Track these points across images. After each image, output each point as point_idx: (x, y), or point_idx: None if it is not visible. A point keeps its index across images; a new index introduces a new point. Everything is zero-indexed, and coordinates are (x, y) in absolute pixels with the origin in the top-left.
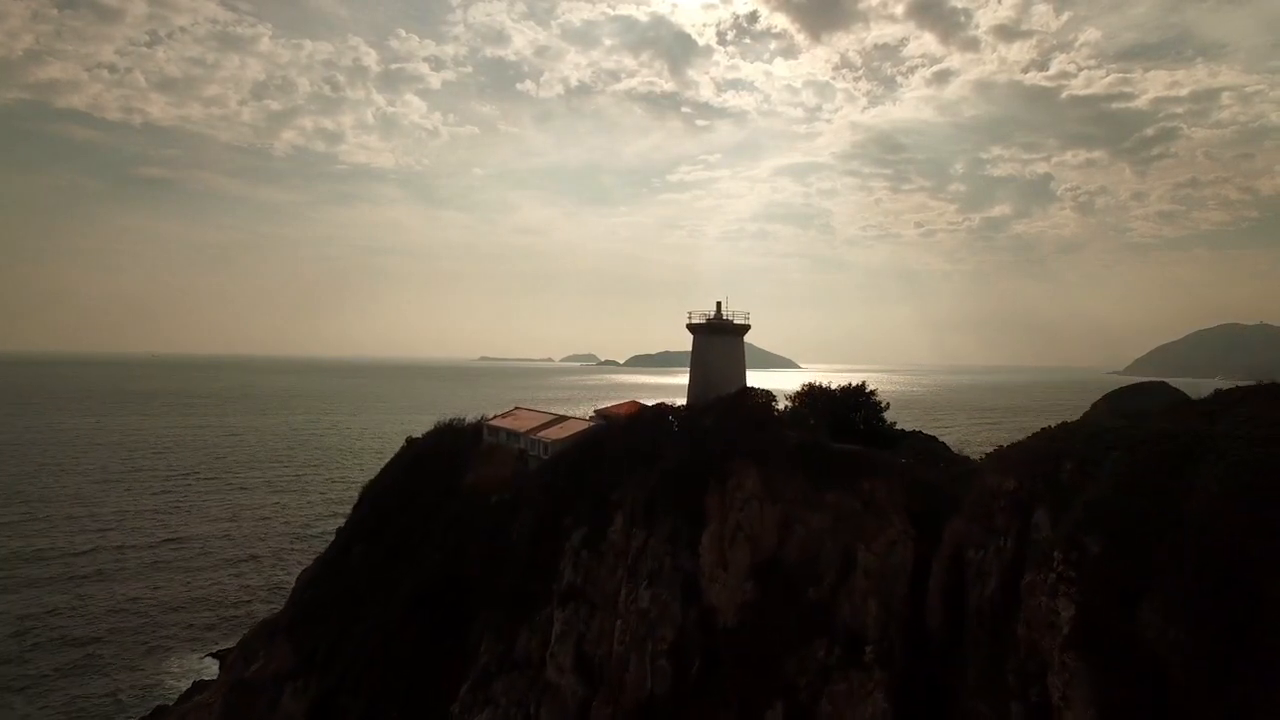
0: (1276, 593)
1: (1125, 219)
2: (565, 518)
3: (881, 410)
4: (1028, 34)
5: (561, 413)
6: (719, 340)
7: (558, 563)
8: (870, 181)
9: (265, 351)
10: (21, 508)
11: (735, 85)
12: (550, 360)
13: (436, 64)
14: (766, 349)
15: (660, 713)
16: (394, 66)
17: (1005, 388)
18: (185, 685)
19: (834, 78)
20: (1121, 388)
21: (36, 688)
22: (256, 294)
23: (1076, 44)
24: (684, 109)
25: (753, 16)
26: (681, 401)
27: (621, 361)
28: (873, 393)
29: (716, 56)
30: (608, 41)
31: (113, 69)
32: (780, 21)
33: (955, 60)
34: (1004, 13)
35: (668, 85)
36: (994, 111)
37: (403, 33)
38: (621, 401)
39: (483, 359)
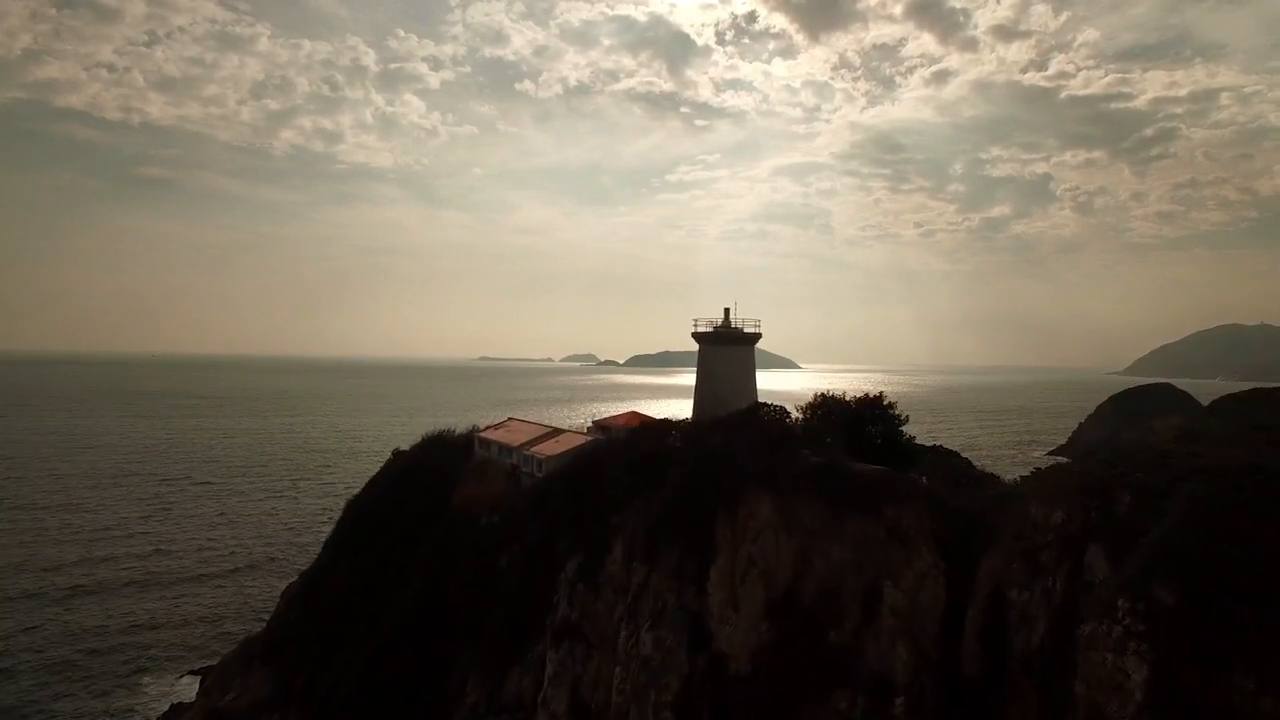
0: None
1: (1125, 219)
2: (559, 544)
3: (900, 423)
4: (1026, 34)
5: (559, 421)
6: (727, 351)
7: (551, 594)
8: (869, 182)
9: (265, 351)
10: (4, 515)
11: (734, 85)
12: (550, 360)
13: (435, 64)
14: (766, 349)
15: None
16: (393, 66)
17: (1006, 388)
18: (164, 707)
19: (833, 78)
20: (1127, 389)
21: (8, 715)
22: (257, 294)
23: (1075, 44)
24: (683, 109)
25: (751, 16)
26: (684, 405)
27: (621, 362)
28: (891, 405)
29: (715, 56)
30: (606, 41)
31: (111, 68)
32: (779, 21)
33: (954, 60)
34: (1002, 13)
35: (667, 85)
36: (993, 112)
37: (401, 32)
38: (620, 412)
39: (482, 359)
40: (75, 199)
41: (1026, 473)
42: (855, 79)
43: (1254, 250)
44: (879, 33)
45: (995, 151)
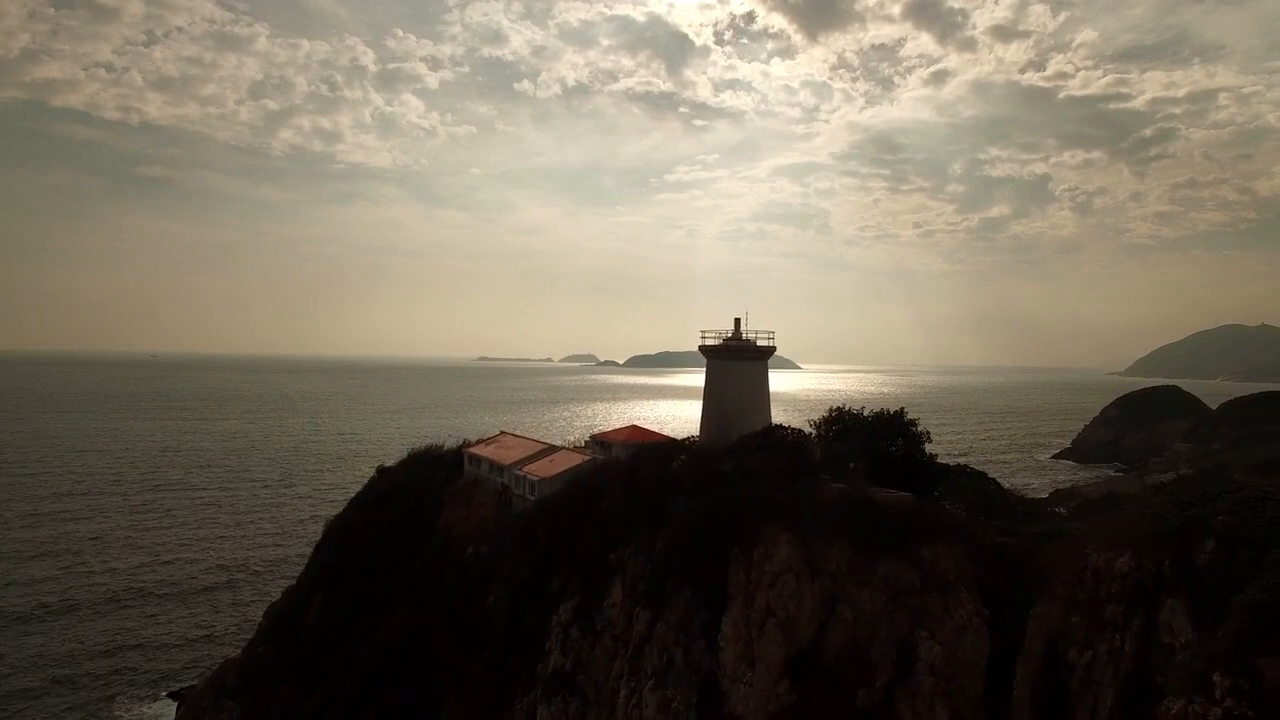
0: None
1: (1124, 220)
2: (552, 581)
3: (923, 441)
4: (1025, 34)
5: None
6: (738, 367)
7: (543, 638)
8: (868, 182)
9: (265, 351)
10: None
11: (733, 85)
12: (550, 360)
13: (434, 64)
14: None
15: None
16: (391, 66)
17: (1007, 389)
18: None
19: (831, 78)
20: (1134, 391)
21: None
22: (257, 293)
23: (1074, 45)
24: (681, 109)
25: (750, 17)
26: (684, 406)
27: (621, 362)
28: (913, 421)
29: (714, 56)
30: (605, 41)
31: (110, 68)
32: (777, 22)
33: (952, 60)
34: (1001, 13)
35: (665, 85)
36: (992, 112)
37: (400, 32)
38: (620, 426)
39: (481, 359)
40: (75, 198)
41: (1035, 479)
42: (854, 79)
43: (1253, 251)
44: (877, 33)
45: (994, 152)
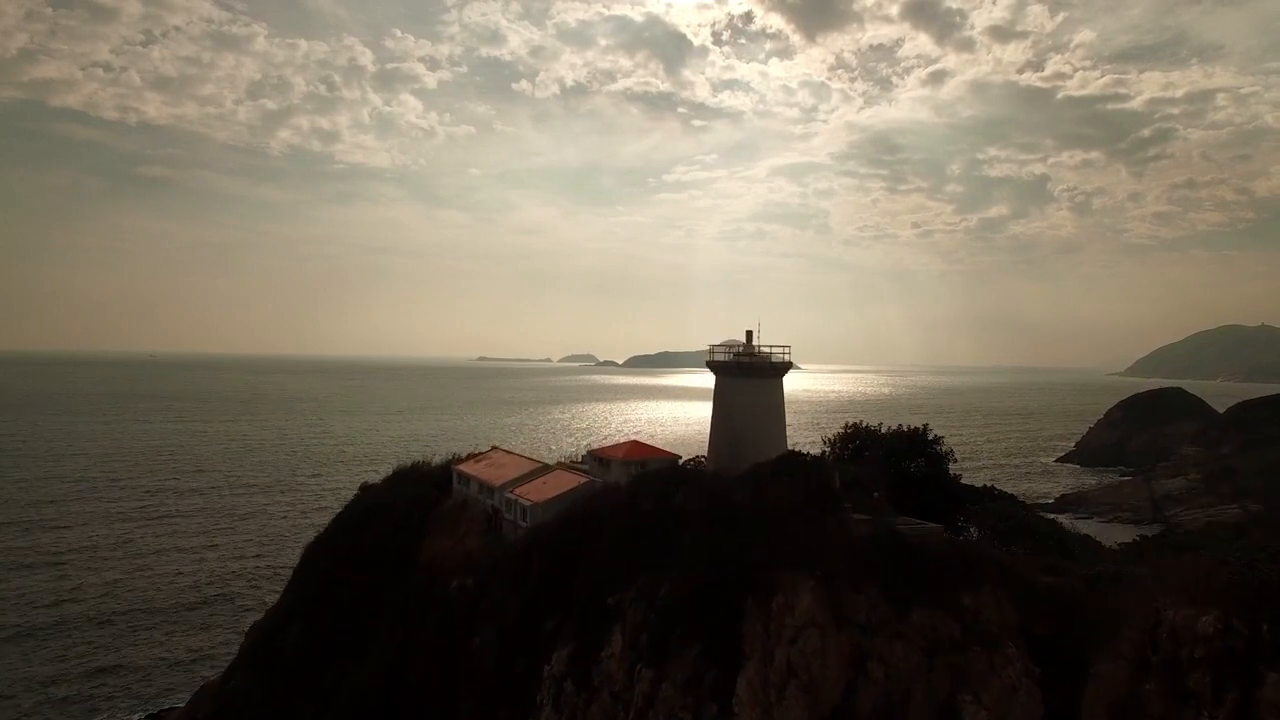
0: None
1: (1122, 220)
2: (544, 624)
3: (947, 461)
4: (1023, 35)
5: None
6: (751, 385)
7: (534, 690)
8: (867, 182)
9: (265, 351)
10: None
11: (731, 85)
12: (549, 360)
13: (432, 64)
14: (766, 350)
15: None
16: (389, 66)
17: (1007, 389)
18: None
19: (830, 78)
20: (1138, 394)
21: None
22: (257, 293)
23: (1072, 45)
24: (680, 109)
25: (748, 17)
26: (684, 407)
27: (620, 362)
28: (937, 439)
29: (712, 57)
30: (603, 41)
31: (108, 68)
32: (775, 22)
33: (951, 61)
34: (998, 13)
35: (663, 85)
36: (990, 112)
37: (398, 32)
38: (619, 441)
39: (481, 359)
40: (75, 198)
41: (1041, 484)
42: (852, 79)
43: (1252, 251)
44: (875, 33)
45: (992, 152)
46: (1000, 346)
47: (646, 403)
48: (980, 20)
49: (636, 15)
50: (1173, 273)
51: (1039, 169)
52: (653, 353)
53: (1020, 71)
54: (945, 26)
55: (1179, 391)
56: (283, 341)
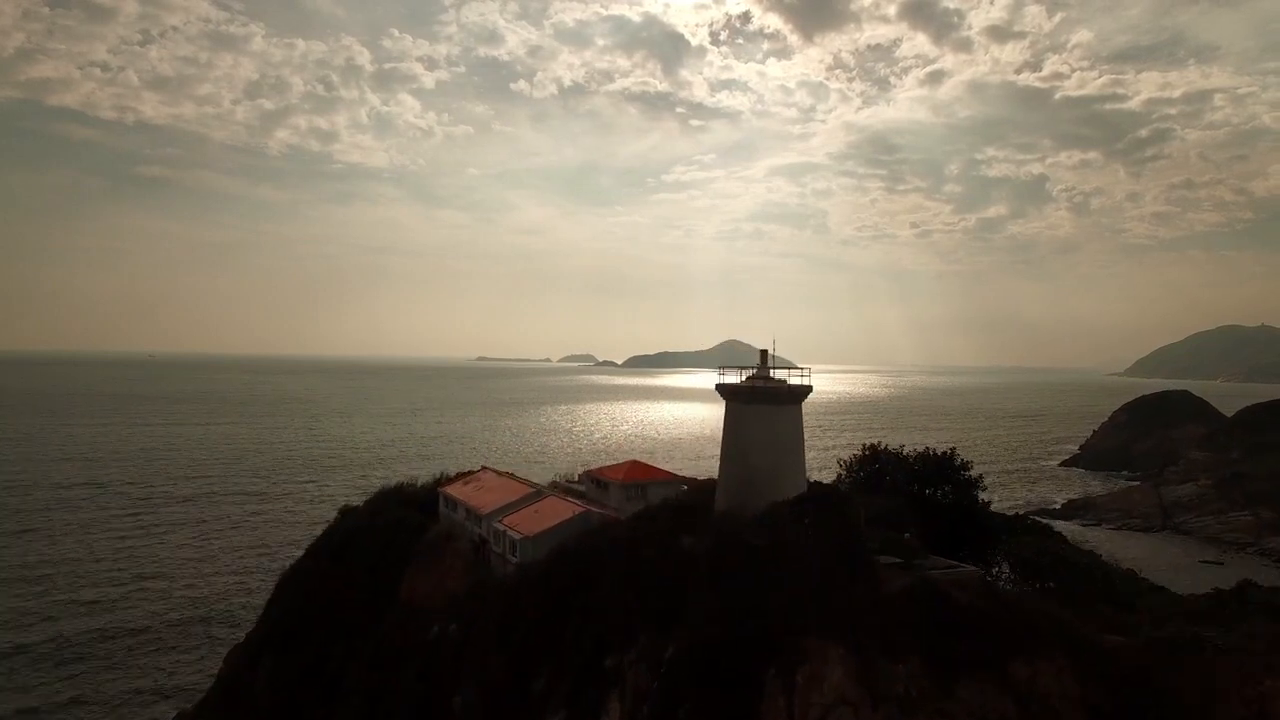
0: None
1: (1121, 220)
2: (533, 684)
3: (977, 488)
4: (1020, 35)
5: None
6: (767, 413)
7: None
8: (865, 182)
9: (264, 351)
10: None
11: (729, 85)
12: (549, 360)
13: (430, 64)
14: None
15: None
16: (387, 66)
17: (1007, 390)
18: None
19: (827, 78)
20: (1143, 396)
21: None
22: (257, 293)
23: (1069, 45)
24: (678, 109)
25: (745, 17)
26: (684, 408)
27: (620, 362)
28: (965, 465)
29: (710, 57)
30: (601, 41)
31: (105, 67)
32: (773, 22)
33: (948, 61)
34: (996, 14)
35: (661, 85)
36: (988, 112)
37: (396, 32)
38: (619, 462)
39: (480, 359)
40: (75, 198)
41: (1047, 489)
42: (850, 79)
43: (1250, 252)
44: (873, 33)
45: (990, 152)
46: (998, 346)
47: (644, 404)
48: (978, 20)
49: (634, 15)
50: (1171, 273)
51: (1037, 169)
52: (652, 353)
53: (1018, 72)
54: (943, 26)
55: (1184, 394)
56: (282, 341)
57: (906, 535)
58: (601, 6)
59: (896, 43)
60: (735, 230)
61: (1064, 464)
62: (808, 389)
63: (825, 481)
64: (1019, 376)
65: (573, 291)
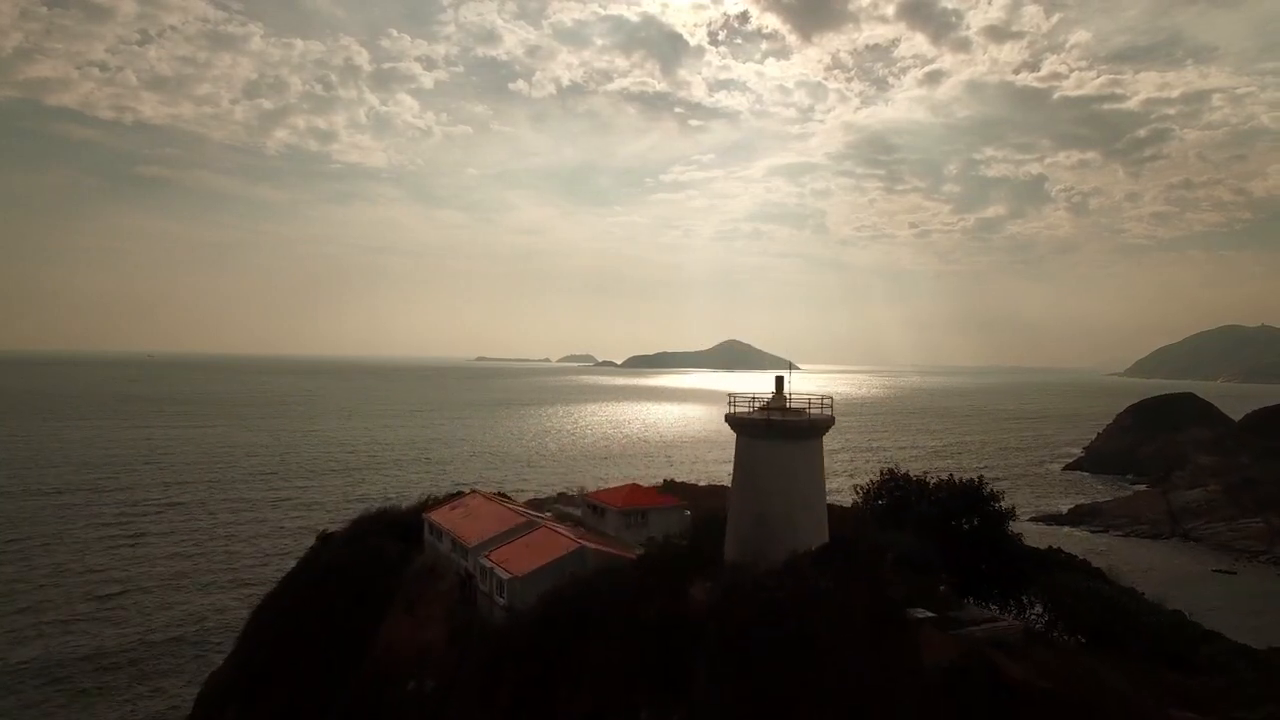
0: None
1: (1119, 220)
2: None
3: (1006, 517)
4: (1019, 35)
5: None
6: (784, 450)
7: None
8: (864, 182)
9: (264, 351)
10: None
11: (727, 85)
12: (548, 360)
13: (429, 64)
14: (765, 350)
15: None
16: (386, 66)
17: (1008, 390)
18: None
19: (826, 78)
20: (1148, 398)
21: None
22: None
23: (1067, 45)
24: (677, 109)
25: (743, 17)
26: (683, 409)
27: (619, 362)
28: (995, 495)
29: (708, 57)
30: (599, 41)
31: (103, 67)
32: (771, 22)
33: (947, 61)
34: (994, 14)
35: (660, 85)
36: (986, 112)
37: (394, 32)
38: (618, 485)
39: (479, 359)
40: (74, 198)
41: (1053, 495)
42: (848, 79)
43: (1249, 251)
44: (871, 33)
45: (989, 152)
46: (998, 346)
47: (643, 404)
48: (976, 20)
49: (632, 15)
50: (1170, 273)
51: (1036, 169)
52: (651, 353)
53: (1016, 72)
54: (941, 27)
55: (1189, 396)
56: (281, 341)
57: (941, 588)
58: (600, 6)
59: (895, 43)
60: (734, 230)
61: (1068, 467)
62: (829, 421)
63: (838, 504)
64: (1018, 377)
65: (572, 291)
